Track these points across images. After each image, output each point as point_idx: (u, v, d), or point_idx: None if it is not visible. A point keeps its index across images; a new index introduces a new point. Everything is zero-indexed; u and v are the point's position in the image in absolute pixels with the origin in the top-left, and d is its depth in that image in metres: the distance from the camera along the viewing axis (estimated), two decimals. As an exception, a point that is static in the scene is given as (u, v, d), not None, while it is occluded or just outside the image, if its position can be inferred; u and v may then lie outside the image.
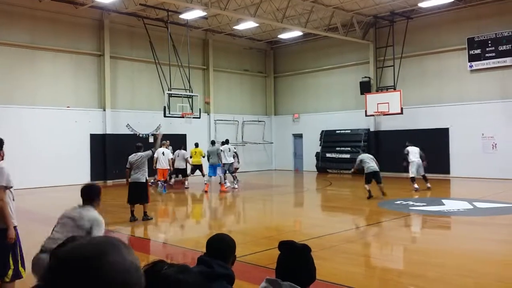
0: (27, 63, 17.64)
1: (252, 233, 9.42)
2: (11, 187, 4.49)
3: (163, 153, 15.63)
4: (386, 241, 8.65)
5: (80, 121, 18.69)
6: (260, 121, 25.99)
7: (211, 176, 15.94)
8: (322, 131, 23.45)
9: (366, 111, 20.46)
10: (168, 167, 15.76)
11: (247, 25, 20.20)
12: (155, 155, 15.08)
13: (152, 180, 16.14)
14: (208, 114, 23.26)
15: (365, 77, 21.89)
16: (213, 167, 15.80)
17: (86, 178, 17.17)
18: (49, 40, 18.12)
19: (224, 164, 15.96)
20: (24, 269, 4.58)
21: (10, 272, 4.43)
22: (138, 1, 18.16)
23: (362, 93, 21.35)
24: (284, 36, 22.66)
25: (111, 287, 0.93)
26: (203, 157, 17.01)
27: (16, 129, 16.37)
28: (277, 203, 14.53)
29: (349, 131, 22.58)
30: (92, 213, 4.21)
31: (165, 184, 15.75)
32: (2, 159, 4.59)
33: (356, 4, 19.23)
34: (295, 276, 2.27)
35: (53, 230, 4.25)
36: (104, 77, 19.59)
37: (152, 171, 16.99)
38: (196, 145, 17.42)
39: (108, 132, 19.53)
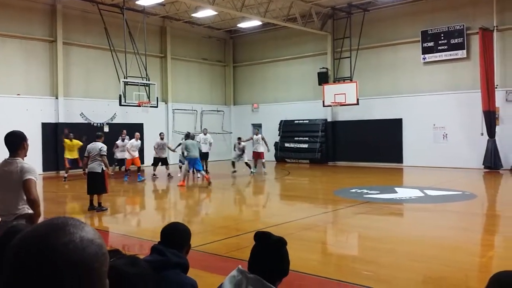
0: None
1: (210, 222, 9.41)
2: None
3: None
4: (341, 228, 8.86)
5: (31, 110, 17.96)
6: (219, 111, 25.86)
7: (199, 170, 15.20)
8: (281, 121, 23.63)
9: (323, 101, 20.76)
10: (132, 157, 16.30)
11: (206, 13, 19.98)
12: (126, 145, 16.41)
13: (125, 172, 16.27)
14: (166, 103, 22.90)
15: (323, 68, 22.17)
16: (193, 160, 15.05)
17: (38, 168, 16.51)
18: (-2, 24, 17.25)
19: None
20: None
21: None
22: (93, -15, 17.55)
23: (320, 84, 21.62)
24: (243, 25, 22.57)
25: (68, 269, 0.90)
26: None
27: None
28: (235, 192, 14.57)
29: (307, 121, 22.87)
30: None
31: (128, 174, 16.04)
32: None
33: (315, -5, 19.40)
34: (267, 268, 2.25)
35: None
36: (57, 64, 18.86)
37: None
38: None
39: (61, 121, 18.86)
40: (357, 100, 19.58)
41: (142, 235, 8.26)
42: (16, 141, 4.27)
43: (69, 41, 19.30)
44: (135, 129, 18.60)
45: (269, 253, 2.31)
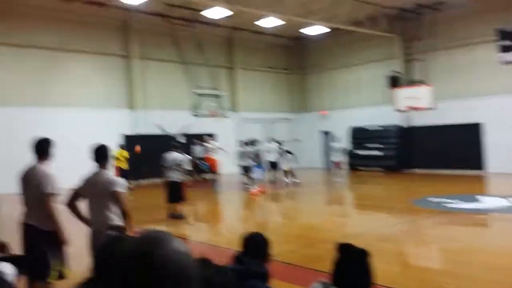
0: (57, 65, 18.10)
1: (284, 231, 9.39)
2: (58, 194, 4.59)
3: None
4: (421, 239, 8.49)
5: (111, 122, 19.04)
6: (287, 119, 25.89)
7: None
8: (351, 127, 23.16)
9: (395, 106, 20.10)
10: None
11: (271, 21, 20.12)
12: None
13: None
14: (235, 113, 23.31)
15: (393, 71, 21.51)
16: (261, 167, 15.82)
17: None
18: (77, 42, 18.51)
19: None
20: (67, 269, 4.67)
21: (54, 274, 4.51)
22: (163, 0, 18.28)
23: (390, 88, 20.98)
24: (309, 31, 22.46)
25: (167, 279, 0.99)
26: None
27: (49, 130, 16.73)
28: (308, 201, 14.42)
29: (379, 128, 22.21)
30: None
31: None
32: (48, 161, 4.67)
33: (381, -3, 18.90)
34: (350, 281, 2.21)
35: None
36: (133, 78, 19.90)
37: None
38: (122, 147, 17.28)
39: (139, 132, 19.84)
40: (432, 103, 18.75)
41: (218, 242, 8.40)
42: (103, 154, 4.54)
43: (143, 55, 20.28)
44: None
45: (352, 265, 2.27)
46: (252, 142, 16.23)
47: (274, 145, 17.95)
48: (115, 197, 4.34)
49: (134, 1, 16.51)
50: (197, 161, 18.40)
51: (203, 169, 18.39)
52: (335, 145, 18.17)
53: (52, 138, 4.70)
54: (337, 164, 18.06)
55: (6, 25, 16.84)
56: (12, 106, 16.84)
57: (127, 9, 18.76)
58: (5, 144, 16.34)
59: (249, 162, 15.68)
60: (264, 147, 17.44)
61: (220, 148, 16.86)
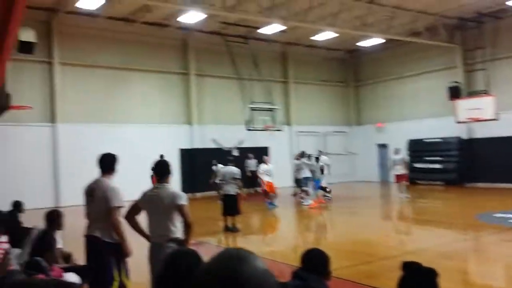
0: (121, 84, 19.02)
1: (338, 247, 9.25)
2: (123, 207, 4.78)
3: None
4: (486, 257, 8.08)
5: (169, 137, 19.66)
6: (342, 132, 25.59)
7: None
8: (409, 140, 22.49)
9: (456, 118, 19.35)
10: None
11: (326, 35, 20.09)
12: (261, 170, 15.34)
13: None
14: (289, 127, 23.36)
15: (453, 82, 20.75)
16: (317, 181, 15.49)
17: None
18: (139, 61, 19.38)
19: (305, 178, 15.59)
20: (128, 280, 4.85)
21: (116, 284, 4.67)
22: (219, 19, 18.80)
23: (450, 99, 20.25)
24: (364, 44, 22.21)
25: None
26: None
27: (112, 145, 17.56)
28: (364, 215, 14.09)
29: (439, 140, 21.43)
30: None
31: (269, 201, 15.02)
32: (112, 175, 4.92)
33: (440, 7, 18.36)
34: None
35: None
36: (190, 95, 20.51)
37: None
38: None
39: (196, 146, 20.35)
40: (494, 114, 17.88)
41: (273, 256, 8.40)
42: (165, 169, 4.71)
43: (200, 72, 20.88)
44: (262, 152, 19.26)
45: (419, 285, 2.20)
46: (309, 156, 16.04)
47: (324, 159, 17.41)
48: (180, 211, 4.47)
49: (192, 20, 17.10)
50: (251, 175, 18.55)
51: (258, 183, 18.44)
52: (396, 157, 16.75)
53: (114, 153, 4.94)
54: (399, 178, 16.54)
55: (73, 46, 17.96)
56: (78, 122, 17.84)
57: (186, 28, 19.46)
58: (70, 158, 17.29)
59: (305, 175, 15.44)
60: (322, 160, 16.78)
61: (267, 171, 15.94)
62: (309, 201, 15.18)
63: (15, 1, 4.01)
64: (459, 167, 20.58)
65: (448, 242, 8.85)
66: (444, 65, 21.49)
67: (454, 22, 20.19)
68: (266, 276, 1.03)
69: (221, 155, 18.28)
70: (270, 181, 15.02)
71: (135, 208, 4.73)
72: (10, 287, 1.35)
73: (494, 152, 19.43)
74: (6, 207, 8.20)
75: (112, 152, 4.94)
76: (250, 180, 19.09)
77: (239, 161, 16.93)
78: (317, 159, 16.21)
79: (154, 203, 4.54)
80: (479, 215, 11.81)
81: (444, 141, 21.18)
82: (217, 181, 13.60)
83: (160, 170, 4.69)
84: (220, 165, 16.81)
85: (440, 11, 18.82)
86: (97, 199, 4.70)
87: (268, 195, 14.98)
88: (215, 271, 1.02)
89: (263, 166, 15.58)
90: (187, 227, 4.51)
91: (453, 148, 20.80)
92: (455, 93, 20.32)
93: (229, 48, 20.90)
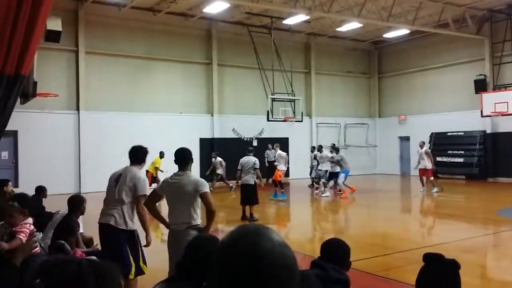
0: (144, 73, 19.18)
1: (357, 239, 9.21)
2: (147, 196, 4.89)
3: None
4: (506, 252, 7.95)
5: (190, 126, 19.79)
6: (363, 124, 25.35)
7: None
8: (432, 133, 22.13)
9: (482, 111, 18.96)
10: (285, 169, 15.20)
11: (351, 26, 19.85)
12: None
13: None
14: (310, 118, 23.24)
15: (480, 74, 20.29)
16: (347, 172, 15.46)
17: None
18: (163, 51, 19.50)
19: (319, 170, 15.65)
20: (146, 265, 4.96)
21: (133, 270, 4.78)
22: (244, 10, 18.78)
23: (476, 92, 19.83)
24: (389, 35, 21.86)
25: (278, 272, 0.99)
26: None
27: (136, 133, 17.83)
28: (383, 208, 14.01)
29: (462, 133, 21.07)
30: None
31: (283, 190, 14.82)
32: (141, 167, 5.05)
33: (469, -2, 17.93)
34: None
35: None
36: (212, 84, 20.57)
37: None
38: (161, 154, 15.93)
39: (216, 136, 20.46)
40: (523, 109, 17.45)
41: (291, 246, 8.44)
42: (186, 157, 4.77)
43: (223, 62, 20.90)
44: (282, 143, 19.20)
45: (442, 278, 2.15)
46: (334, 148, 15.84)
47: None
48: (203, 198, 4.52)
49: (217, 10, 17.10)
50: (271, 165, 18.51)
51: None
52: (422, 150, 15.97)
53: (137, 141, 5.04)
54: (424, 172, 15.81)
55: (98, 35, 18.18)
56: (101, 110, 18.10)
57: (210, 18, 19.49)
58: (93, 146, 17.60)
59: (327, 167, 15.34)
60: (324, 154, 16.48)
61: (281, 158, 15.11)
62: (327, 193, 15.14)
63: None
64: (482, 161, 20.22)
65: (469, 237, 8.74)
66: (471, 57, 21.01)
67: (483, 13, 19.70)
68: (284, 249, 1.03)
69: (240, 145, 18.34)
70: (279, 169, 14.86)
71: (155, 196, 4.81)
72: (41, 266, 1.38)
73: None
74: (30, 192, 8.41)
75: (133, 140, 5.05)
76: (269, 170, 19.07)
77: (259, 152, 16.95)
78: (337, 150, 16.03)
79: (175, 190, 4.58)
80: (501, 210, 11.60)
81: (467, 134, 20.81)
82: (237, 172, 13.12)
83: (181, 157, 4.74)
84: (219, 158, 16.96)
85: (468, 2, 18.36)
86: (121, 185, 4.77)
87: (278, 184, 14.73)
88: (234, 245, 1.02)
89: (272, 154, 15.61)
90: (210, 214, 4.56)
91: (477, 142, 20.42)
92: (481, 86, 19.89)
93: (252, 38, 20.87)
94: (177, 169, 4.74)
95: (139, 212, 4.76)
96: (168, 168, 15.21)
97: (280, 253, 1.02)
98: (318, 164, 15.85)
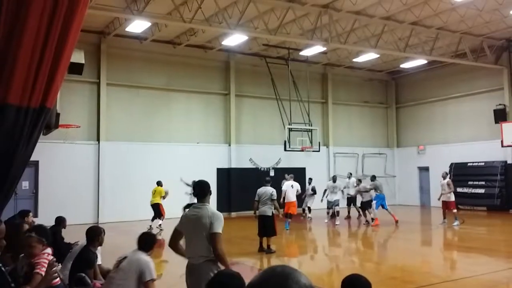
0: (163, 103, 19.50)
1: (376, 272, 9.04)
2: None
3: (291, 186, 15.03)
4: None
5: (208, 156, 19.92)
6: (381, 154, 25.16)
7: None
8: (452, 163, 21.81)
9: (502, 141, 18.69)
10: (295, 200, 15.09)
11: (367, 56, 20.00)
12: (284, 188, 14.97)
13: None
14: (327, 147, 23.20)
15: (500, 104, 20.11)
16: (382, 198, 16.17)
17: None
18: (182, 82, 19.87)
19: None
20: None
21: None
22: (261, 42, 19.14)
23: (496, 122, 19.61)
24: (406, 65, 21.93)
25: None
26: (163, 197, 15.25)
27: (154, 164, 18.07)
28: (403, 240, 13.73)
29: (482, 164, 20.72)
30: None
31: (289, 220, 14.70)
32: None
33: (486, 28, 17.94)
34: None
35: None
36: (230, 114, 20.79)
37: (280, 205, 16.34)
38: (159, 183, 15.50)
39: (233, 166, 20.52)
40: (545, 139, 17.14)
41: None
42: (205, 189, 4.80)
43: (240, 93, 21.17)
44: (299, 173, 19.18)
45: None
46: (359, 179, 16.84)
47: (351, 181, 18.28)
48: (212, 239, 4.37)
49: (235, 42, 17.46)
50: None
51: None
52: (444, 182, 15.43)
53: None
54: (447, 205, 15.24)
55: (119, 67, 18.66)
56: (121, 141, 18.36)
57: (228, 50, 19.88)
58: (112, 176, 17.80)
59: (338, 197, 16.05)
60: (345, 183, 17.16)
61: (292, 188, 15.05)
62: (337, 222, 15.96)
63: (71, 27, 4.13)
64: (504, 192, 19.79)
65: (491, 271, 8.49)
66: (490, 87, 20.89)
67: (501, 43, 19.69)
68: None
69: (257, 175, 18.35)
70: (290, 200, 14.73)
71: (176, 234, 4.73)
72: None
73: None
74: (50, 222, 8.53)
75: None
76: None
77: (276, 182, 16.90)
78: (359, 181, 17.23)
79: (193, 223, 4.53)
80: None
81: (488, 165, 20.47)
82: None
83: (200, 190, 4.78)
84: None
85: (486, 32, 18.40)
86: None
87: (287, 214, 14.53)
88: (262, 287, 1.05)
89: (285, 183, 15.31)
90: (216, 257, 4.38)
91: (498, 173, 20.05)
92: (501, 116, 19.70)
93: (269, 69, 21.16)
94: (196, 201, 4.77)
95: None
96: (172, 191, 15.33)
97: None
98: (330, 193, 16.75)
